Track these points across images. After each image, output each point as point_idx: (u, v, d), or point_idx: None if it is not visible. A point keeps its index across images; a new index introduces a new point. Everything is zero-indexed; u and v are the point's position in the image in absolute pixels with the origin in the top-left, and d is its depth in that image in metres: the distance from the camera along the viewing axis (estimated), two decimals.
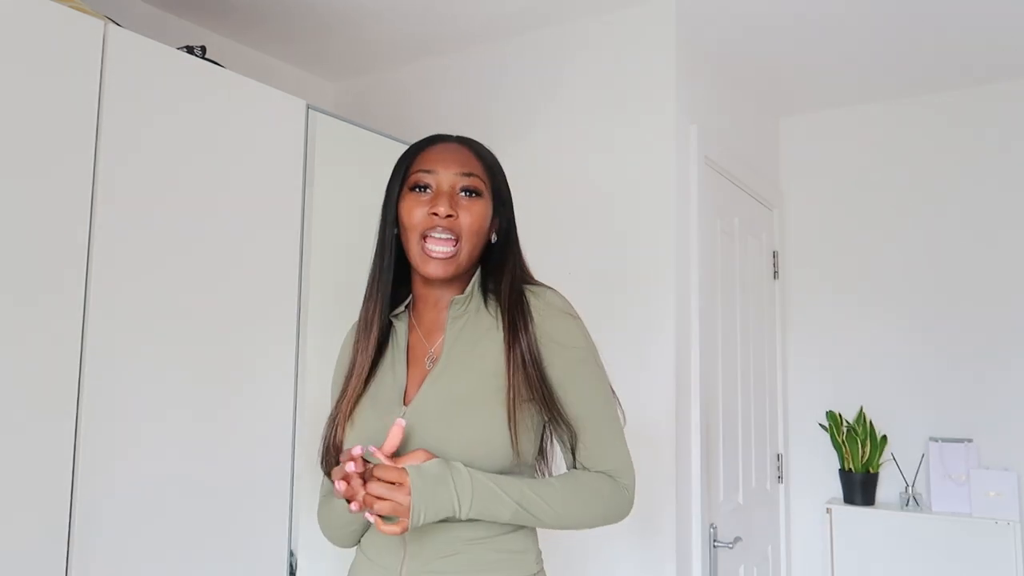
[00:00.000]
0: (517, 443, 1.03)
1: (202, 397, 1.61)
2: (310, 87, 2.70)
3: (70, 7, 1.42)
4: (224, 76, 1.70)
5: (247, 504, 1.68)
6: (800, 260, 2.94)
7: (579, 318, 1.12)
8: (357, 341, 1.15)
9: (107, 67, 1.46)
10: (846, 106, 2.89)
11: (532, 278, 1.16)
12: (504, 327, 1.07)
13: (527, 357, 1.05)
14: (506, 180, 1.18)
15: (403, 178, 1.13)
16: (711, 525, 2.14)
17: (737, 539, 2.20)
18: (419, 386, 1.09)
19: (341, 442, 1.10)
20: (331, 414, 1.14)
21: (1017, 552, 2.33)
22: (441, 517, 0.97)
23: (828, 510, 2.63)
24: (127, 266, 1.48)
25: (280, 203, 1.81)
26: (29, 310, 1.32)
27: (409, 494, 0.94)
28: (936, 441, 2.55)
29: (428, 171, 1.10)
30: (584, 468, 1.09)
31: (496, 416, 1.03)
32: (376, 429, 1.07)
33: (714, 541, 2.13)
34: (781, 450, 2.84)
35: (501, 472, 1.03)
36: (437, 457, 1.00)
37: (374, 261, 1.16)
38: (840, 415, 2.74)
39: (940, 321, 2.66)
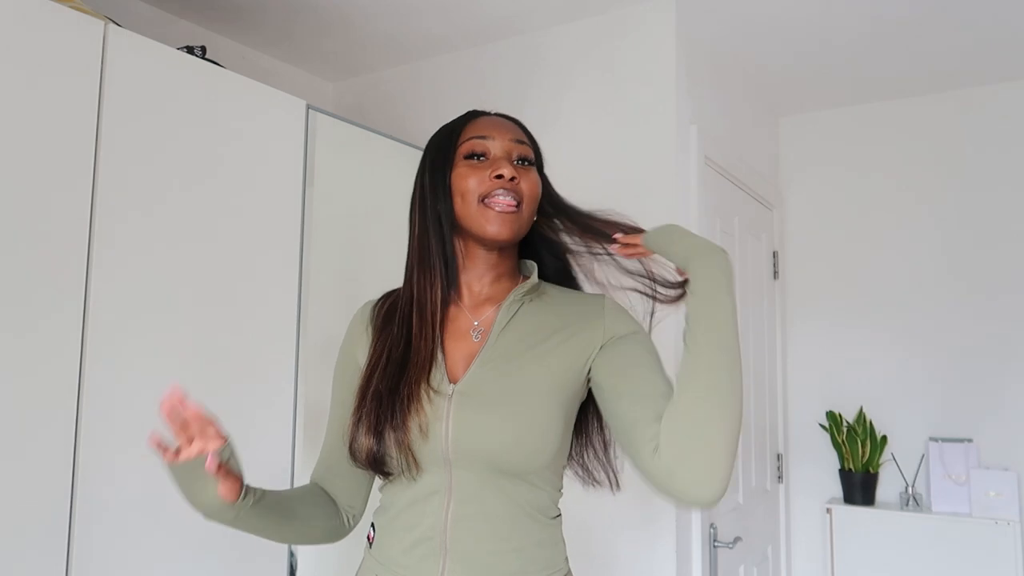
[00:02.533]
0: (559, 443, 0.98)
1: (202, 396, 1.61)
2: (310, 87, 2.70)
3: (70, 7, 1.42)
4: (224, 76, 1.70)
5: None
6: (800, 260, 2.94)
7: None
8: (405, 322, 1.04)
9: (107, 67, 1.46)
10: (846, 106, 2.89)
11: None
12: (569, 323, 1.03)
13: (590, 359, 1.00)
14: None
15: (454, 147, 1.04)
16: (711, 525, 2.14)
17: (737, 539, 2.20)
18: (464, 361, 1.01)
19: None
20: (367, 376, 1.02)
21: (1017, 552, 2.32)
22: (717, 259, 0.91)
23: (828, 510, 2.63)
24: (127, 266, 1.48)
25: (280, 203, 1.81)
26: (29, 310, 1.32)
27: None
28: (936, 441, 2.55)
29: (483, 137, 1.03)
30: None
31: (547, 413, 0.96)
32: (424, 413, 0.98)
33: (714, 541, 2.13)
34: (781, 450, 2.84)
35: (532, 472, 0.97)
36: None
37: (421, 242, 1.05)
38: (840, 415, 2.73)
39: (940, 321, 2.66)
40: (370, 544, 1.06)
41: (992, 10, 2.11)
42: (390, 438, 0.96)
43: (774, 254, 2.89)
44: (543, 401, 0.96)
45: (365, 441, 0.97)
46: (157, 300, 1.53)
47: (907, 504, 2.56)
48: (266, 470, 1.74)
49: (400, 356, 1.01)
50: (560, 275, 1.12)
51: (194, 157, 1.62)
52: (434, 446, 0.96)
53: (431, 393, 0.98)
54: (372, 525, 1.08)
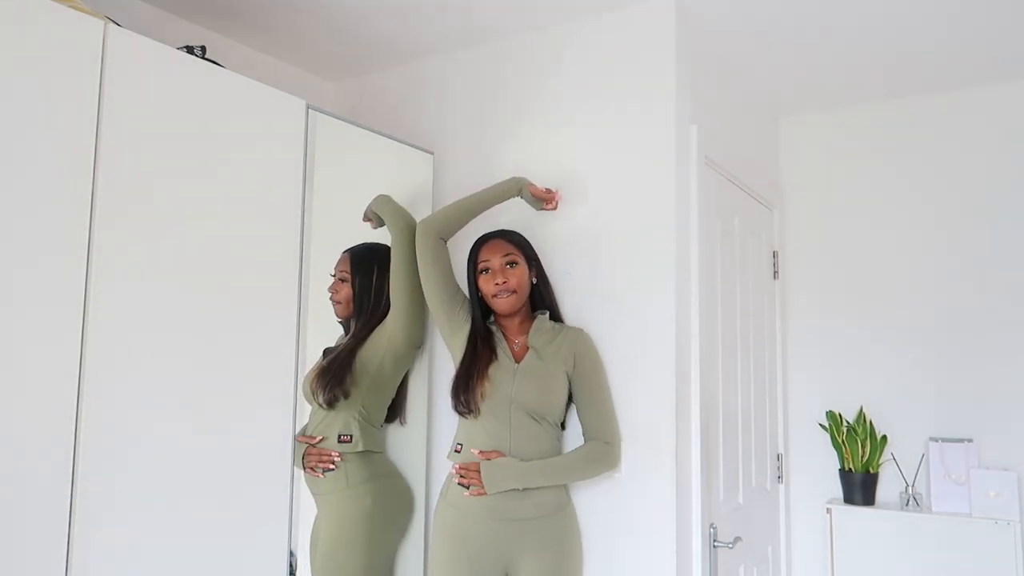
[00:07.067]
0: (564, 403, 1.96)
1: (202, 396, 1.61)
2: (310, 87, 2.70)
3: (70, 7, 1.42)
4: (224, 76, 1.70)
5: (247, 504, 1.69)
6: (800, 260, 2.94)
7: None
8: (472, 340, 1.96)
9: (107, 67, 1.46)
10: (846, 106, 2.89)
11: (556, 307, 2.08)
12: (564, 346, 1.97)
13: (573, 366, 1.98)
14: (531, 245, 2.03)
15: (475, 266, 1.97)
16: (711, 525, 2.14)
17: (737, 539, 2.20)
18: (519, 356, 1.95)
19: (485, 393, 1.87)
20: (464, 371, 1.90)
21: (1017, 552, 2.33)
22: (507, 488, 1.84)
23: (828, 510, 2.63)
24: (127, 266, 1.48)
25: (280, 203, 1.81)
26: (30, 310, 1.32)
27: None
28: (936, 441, 2.55)
29: (486, 260, 1.95)
30: (591, 435, 1.96)
31: (562, 383, 1.94)
32: (502, 382, 1.89)
33: (714, 541, 2.13)
34: (781, 450, 2.84)
35: (550, 415, 1.91)
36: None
37: (473, 310, 2.01)
38: (840, 415, 2.73)
39: (940, 321, 2.66)
40: (458, 453, 1.92)
41: (991, 11, 2.11)
42: (471, 395, 1.89)
43: (774, 254, 2.89)
44: (557, 380, 1.93)
45: (458, 396, 1.90)
46: (157, 299, 1.53)
47: (907, 504, 2.56)
48: (266, 471, 1.74)
49: (471, 354, 1.95)
50: (553, 310, 2.07)
51: (194, 157, 1.62)
52: (505, 398, 1.88)
53: (500, 370, 1.91)
54: (459, 443, 1.92)
